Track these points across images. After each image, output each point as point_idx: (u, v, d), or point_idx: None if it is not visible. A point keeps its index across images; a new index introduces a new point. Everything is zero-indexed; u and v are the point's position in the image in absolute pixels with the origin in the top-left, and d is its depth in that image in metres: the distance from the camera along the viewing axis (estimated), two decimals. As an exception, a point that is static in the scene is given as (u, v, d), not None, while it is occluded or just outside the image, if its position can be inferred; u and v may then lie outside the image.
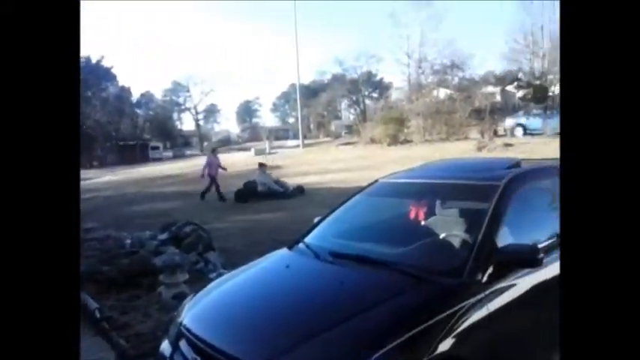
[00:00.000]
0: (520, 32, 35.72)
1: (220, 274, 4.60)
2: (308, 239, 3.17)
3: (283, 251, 3.14)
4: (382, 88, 52.32)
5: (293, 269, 2.79)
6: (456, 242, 2.73)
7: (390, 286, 2.35)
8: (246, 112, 79.89)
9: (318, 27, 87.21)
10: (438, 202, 3.28)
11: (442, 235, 2.87)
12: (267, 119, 79.48)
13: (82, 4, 1.95)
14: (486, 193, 2.77)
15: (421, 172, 3.60)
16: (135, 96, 58.15)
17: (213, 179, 13.15)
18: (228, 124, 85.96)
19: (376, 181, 3.64)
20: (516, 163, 3.24)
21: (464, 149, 17.32)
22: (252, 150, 30.89)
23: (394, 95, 38.62)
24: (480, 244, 2.44)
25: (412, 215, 3.24)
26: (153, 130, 60.14)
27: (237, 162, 26.07)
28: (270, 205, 10.88)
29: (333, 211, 3.49)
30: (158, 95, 64.94)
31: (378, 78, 53.54)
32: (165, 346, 2.55)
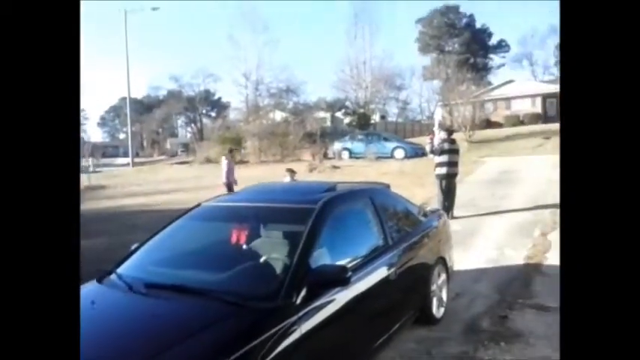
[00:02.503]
0: (347, 64, 39.27)
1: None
2: (121, 269, 2.91)
3: (90, 285, 2.82)
4: (220, 107, 52.06)
5: (99, 306, 2.51)
6: (275, 265, 2.78)
7: (206, 315, 2.28)
8: (68, 125, 71.44)
9: (151, 40, 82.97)
10: (261, 226, 3.33)
11: (262, 259, 2.91)
12: (94, 134, 72.35)
13: (82, 4, 2.00)
14: (303, 215, 2.90)
15: (244, 195, 3.62)
16: None
17: (230, 188, 10.69)
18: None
19: (199, 204, 3.55)
20: (332, 187, 3.48)
21: (296, 170, 18.05)
22: (73, 168, 27.56)
23: (232, 115, 38.71)
24: (294, 267, 2.53)
25: (234, 239, 3.23)
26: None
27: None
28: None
29: (151, 237, 3.28)
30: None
31: (216, 97, 53.21)
32: None
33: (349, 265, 2.85)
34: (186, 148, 39.46)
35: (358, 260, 3.03)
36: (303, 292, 2.41)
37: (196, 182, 17.37)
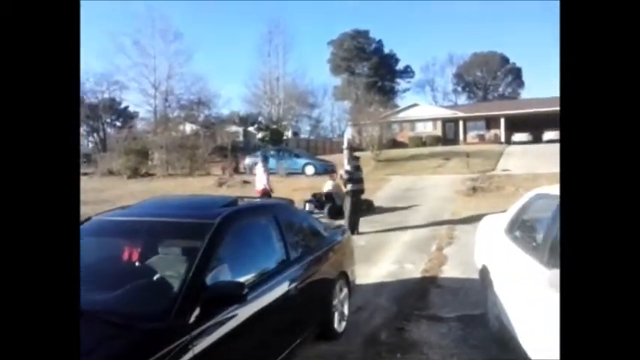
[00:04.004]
0: (260, 80, 39.30)
1: None
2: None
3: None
4: (126, 117, 49.26)
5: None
6: (168, 283, 2.65)
7: (89, 337, 2.09)
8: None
9: (50, 41, 76.61)
10: (157, 241, 3.16)
11: (156, 277, 2.76)
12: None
13: (82, 4, 2.00)
14: (201, 231, 2.80)
15: (139, 209, 3.43)
16: None
17: (268, 196, 9.10)
18: None
19: (89, 218, 3.30)
20: (233, 201, 3.41)
21: (205, 185, 17.59)
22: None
23: (139, 126, 36.73)
24: (188, 284, 2.43)
25: (127, 256, 3.04)
26: None
27: None
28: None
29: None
30: None
31: (122, 106, 50.30)
32: None
33: (249, 281, 2.80)
34: (88, 158, 36.73)
35: (258, 276, 2.99)
36: (196, 311, 2.31)
37: (96, 195, 16.25)
